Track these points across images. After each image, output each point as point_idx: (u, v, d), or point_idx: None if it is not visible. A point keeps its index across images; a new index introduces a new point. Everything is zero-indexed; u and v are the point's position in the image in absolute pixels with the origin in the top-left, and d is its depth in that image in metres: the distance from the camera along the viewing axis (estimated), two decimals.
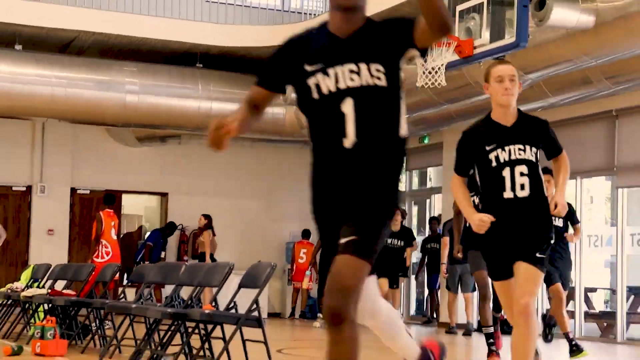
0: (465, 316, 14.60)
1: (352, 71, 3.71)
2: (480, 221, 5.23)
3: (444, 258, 13.89)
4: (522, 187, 5.31)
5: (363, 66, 3.70)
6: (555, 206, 5.30)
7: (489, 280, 7.09)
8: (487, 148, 5.35)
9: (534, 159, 5.39)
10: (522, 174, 5.32)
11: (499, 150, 5.34)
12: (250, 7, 16.39)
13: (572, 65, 10.84)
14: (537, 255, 5.24)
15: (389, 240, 13.94)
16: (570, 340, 9.16)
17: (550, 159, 5.64)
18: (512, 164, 5.32)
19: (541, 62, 11.06)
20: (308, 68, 3.78)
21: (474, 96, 12.55)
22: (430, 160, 17.70)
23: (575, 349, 9.09)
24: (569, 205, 9.16)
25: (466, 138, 5.48)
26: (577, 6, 9.87)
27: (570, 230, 9.69)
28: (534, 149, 5.40)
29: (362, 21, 3.79)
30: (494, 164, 5.34)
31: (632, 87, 11.97)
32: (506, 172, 5.31)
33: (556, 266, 9.20)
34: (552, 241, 5.40)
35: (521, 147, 5.34)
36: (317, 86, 3.76)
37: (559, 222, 9.08)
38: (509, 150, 5.33)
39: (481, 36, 9.83)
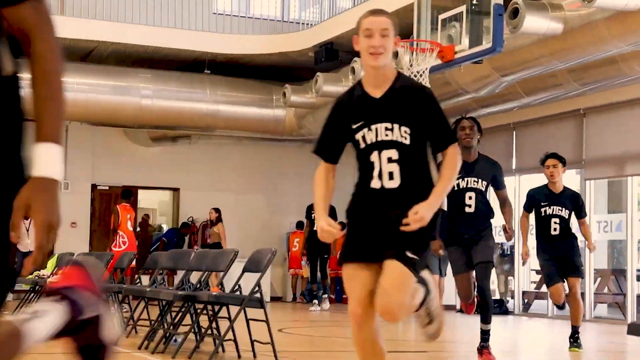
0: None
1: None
2: (322, 230, 3.96)
3: None
4: (391, 176, 4.01)
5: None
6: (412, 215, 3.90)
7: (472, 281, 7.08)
8: (354, 126, 4.07)
9: (407, 142, 4.00)
10: (390, 160, 4.02)
11: (366, 130, 4.04)
12: (253, 18, 16.35)
13: (544, 68, 10.83)
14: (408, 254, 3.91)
15: None
16: (575, 334, 8.46)
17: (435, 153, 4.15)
18: (380, 146, 4.03)
19: (515, 65, 11.05)
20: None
21: (455, 97, 12.53)
22: None
23: (574, 343, 8.46)
24: (578, 197, 8.67)
25: (333, 111, 4.19)
26: (547, 15, 9.86)
27: (574, 221, 8.59)
28: (404, 130, 4.00)
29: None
30: (361, 145, 4.07)
31: (597, 88, 11.96)
32: (374, 157, 4.04)
33: (555, 265, 8.30)
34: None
35: (388, 125, 4.00)
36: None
37: (564, 213, 8.31)
38: (376, 130, 4.02)
39: (461, 42, 9.81)
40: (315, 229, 9.96)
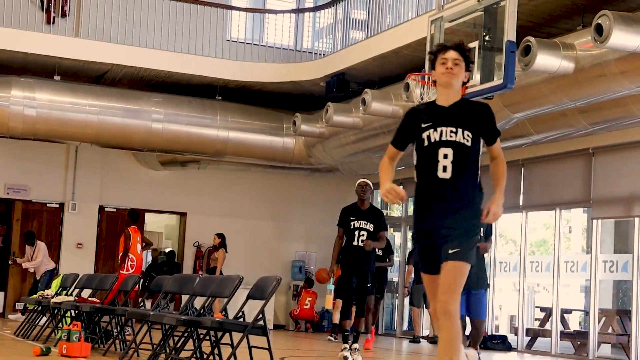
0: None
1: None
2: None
3: (407, 283, 15.58)
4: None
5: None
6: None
7: None
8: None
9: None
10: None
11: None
12: (266, 46, 16.44)
13: (554, 106, 10.85)
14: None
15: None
16: None
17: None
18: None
19: (526, 102, 11.08)
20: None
21: None
22: None
23: None
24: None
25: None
26: (558, 53, 9.90)
27: None
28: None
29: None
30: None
31: (607, 128, 11.97)
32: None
33: None
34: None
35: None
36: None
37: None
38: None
39: (472, 78, 9.84)
40: (353, 242, 9.93)
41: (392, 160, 5.02)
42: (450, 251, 4.70)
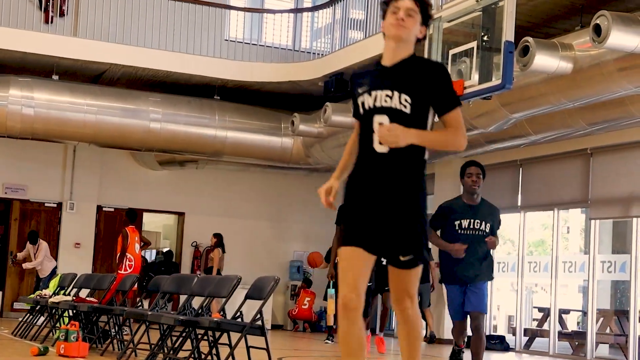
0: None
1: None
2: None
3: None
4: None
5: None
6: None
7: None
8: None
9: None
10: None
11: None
12: (264, 46, 16.43)
13: (552, 106, 10.85)
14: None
15: None
16: None
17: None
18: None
19: (524, 102, 11.07)
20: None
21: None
22: None
23: None
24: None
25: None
26: (557, 54, 9.90)
27: None
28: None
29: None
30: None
31: (605, 128, 11.97)
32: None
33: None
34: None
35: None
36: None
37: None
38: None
39: (471, 78, 9.83)
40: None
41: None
42: (402, 258, 4.08)
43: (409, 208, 4.05)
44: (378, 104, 4.08)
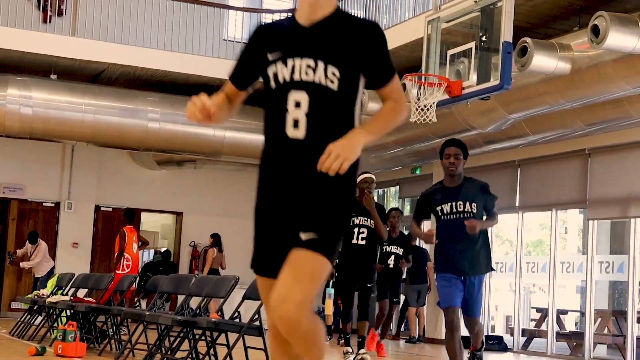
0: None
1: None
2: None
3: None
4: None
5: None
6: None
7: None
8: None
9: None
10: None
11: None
12: None
13: (550, 107, 10.85)
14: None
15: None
16: None
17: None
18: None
19: (522, 103, 11.08)
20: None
21: (462, 132, 12.55)
22: (421, 189, 17.58)
23: None
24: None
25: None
26: (555, 54, 9.90)
27: None
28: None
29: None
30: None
31: (603, 129, 11.98)
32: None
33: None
34: None
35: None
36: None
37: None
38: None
39: (469, 78, 9.84)
40: (352, 241, 9.63)
41: (228, 98, 3.52)
42: (303, 237, 3.17)
43: (324, 184, 3.16)
44: (297, 77, 3.17)
